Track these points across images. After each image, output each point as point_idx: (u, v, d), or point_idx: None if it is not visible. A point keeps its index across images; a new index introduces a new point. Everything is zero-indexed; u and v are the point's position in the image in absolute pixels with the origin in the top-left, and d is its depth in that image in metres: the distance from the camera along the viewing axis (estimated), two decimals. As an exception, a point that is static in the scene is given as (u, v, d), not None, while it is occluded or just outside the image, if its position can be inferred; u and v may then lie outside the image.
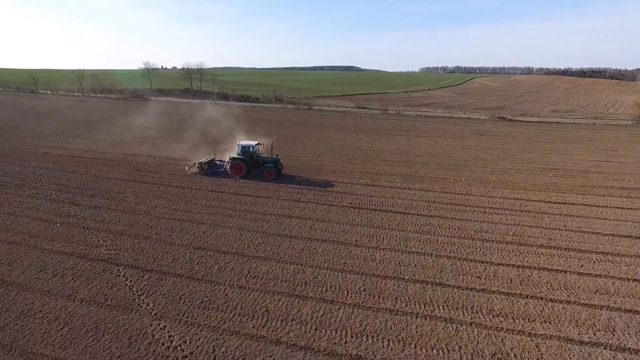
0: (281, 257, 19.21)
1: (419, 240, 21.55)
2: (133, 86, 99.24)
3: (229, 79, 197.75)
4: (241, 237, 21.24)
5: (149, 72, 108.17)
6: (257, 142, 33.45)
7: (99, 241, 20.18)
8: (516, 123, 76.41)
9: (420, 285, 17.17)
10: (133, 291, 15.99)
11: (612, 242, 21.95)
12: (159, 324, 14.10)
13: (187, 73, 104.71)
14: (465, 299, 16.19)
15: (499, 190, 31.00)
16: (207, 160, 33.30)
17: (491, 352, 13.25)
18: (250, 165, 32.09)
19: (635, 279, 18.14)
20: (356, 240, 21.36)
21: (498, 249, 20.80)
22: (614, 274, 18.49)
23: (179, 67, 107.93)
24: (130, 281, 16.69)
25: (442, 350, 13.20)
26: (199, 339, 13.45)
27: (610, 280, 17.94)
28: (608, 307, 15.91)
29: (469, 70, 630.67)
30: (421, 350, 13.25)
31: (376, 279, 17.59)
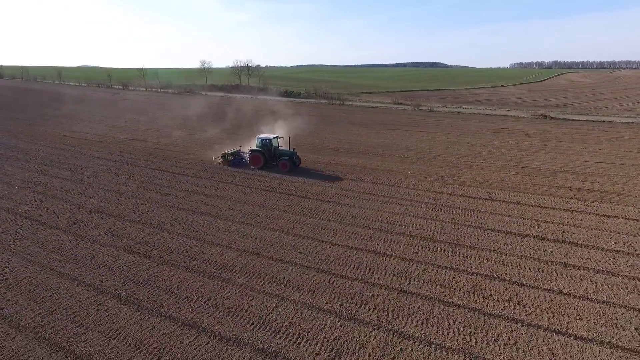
0: (150, 222, 22.57)
1: (285, 219, 23.34)
2: (190, 82, 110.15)
3: (291, 75, 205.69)
4: (138, 206, 25.05)
5: (205, 70, 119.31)
6: (275, 136, 34.92)
7: (30, 200, 25.51)
8: (555, 121, 70.13)
9: (237, 253, 19.30)
10: (15, 236, 20.62)
11: (477, 235, 21.53)
12: (8, 258, 18.40)
13: (237, 70, 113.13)
14: (264, 267, 18.00)
15: (431, 184, 30.75)
16: (231, 151, 35.59)
17: (233, 304, 15.19)
18: (268, 157, 33.58)
19: (452, 268, 18.16)
20: (230, 216, 23.87)
21: (352, 232, 21.76)
22: (435, 262, 18.63)
23: (231, 64, 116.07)
24: (21, 229, 21.38)
25: (194, 300, 15.48)
26: (23, 269, 17.44)
27: (423, 267, 18.22)
28: (384, 286, 16.56)
29: (570, 65, 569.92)
30: (175, 298, 15.66)
31: (208, 245, 20.08)
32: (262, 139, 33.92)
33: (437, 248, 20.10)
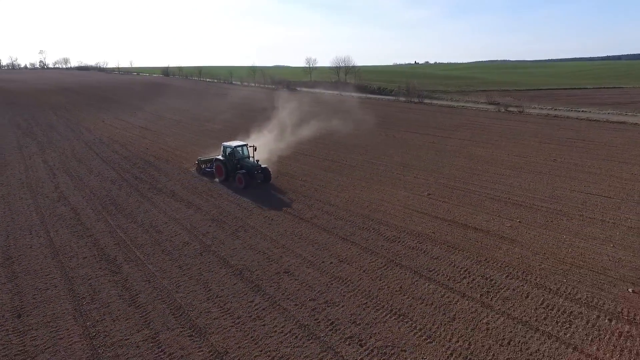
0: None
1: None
2: (298, 79, 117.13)
3: (414, 71, 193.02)
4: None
5: (310, 68, 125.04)
6: (243, 143, 29.59)
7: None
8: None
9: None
10: None
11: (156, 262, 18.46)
12: None
13: (335, 68, 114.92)
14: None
15: (281, 194, 26.84)
16: (207, 158, 31.51)
17: None
18: (230, 168, 28.21)
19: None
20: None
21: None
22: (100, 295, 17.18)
23: (332, 64, 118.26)
24: None
25: None
26: None
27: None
28: None
29: None
30: None
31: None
32: (225, 147, 28.84)
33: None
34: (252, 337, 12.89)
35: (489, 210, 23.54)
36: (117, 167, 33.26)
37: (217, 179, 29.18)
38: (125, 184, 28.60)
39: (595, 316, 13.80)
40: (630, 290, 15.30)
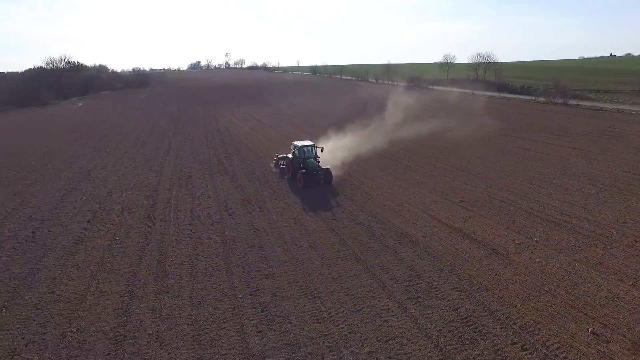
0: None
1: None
2: (433, 77, 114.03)
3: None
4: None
5: (447, 65, 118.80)
6: (310, 144, 30.15)
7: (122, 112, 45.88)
8: None
9: None
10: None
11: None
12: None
13: (474, 65, 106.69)
14: None
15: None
16: (283, 155, 31.82)
17: None
18: (295, 168, 29.02)
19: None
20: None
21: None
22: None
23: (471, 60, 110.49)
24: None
25: None
26: None
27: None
28: (75, 219, 24.36)
29: None
30: None
31: None
32: (294, 146, 29.82)
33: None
34: (191, 286, 16.30)
35: (512, 225, 21.46)
36: (213, 151, 40.81)
37: (286, 176, 30.39)
38: (207, 165, 35.37)
39: (509, 343, 12.67)
40: (589, 329, 13.12)
